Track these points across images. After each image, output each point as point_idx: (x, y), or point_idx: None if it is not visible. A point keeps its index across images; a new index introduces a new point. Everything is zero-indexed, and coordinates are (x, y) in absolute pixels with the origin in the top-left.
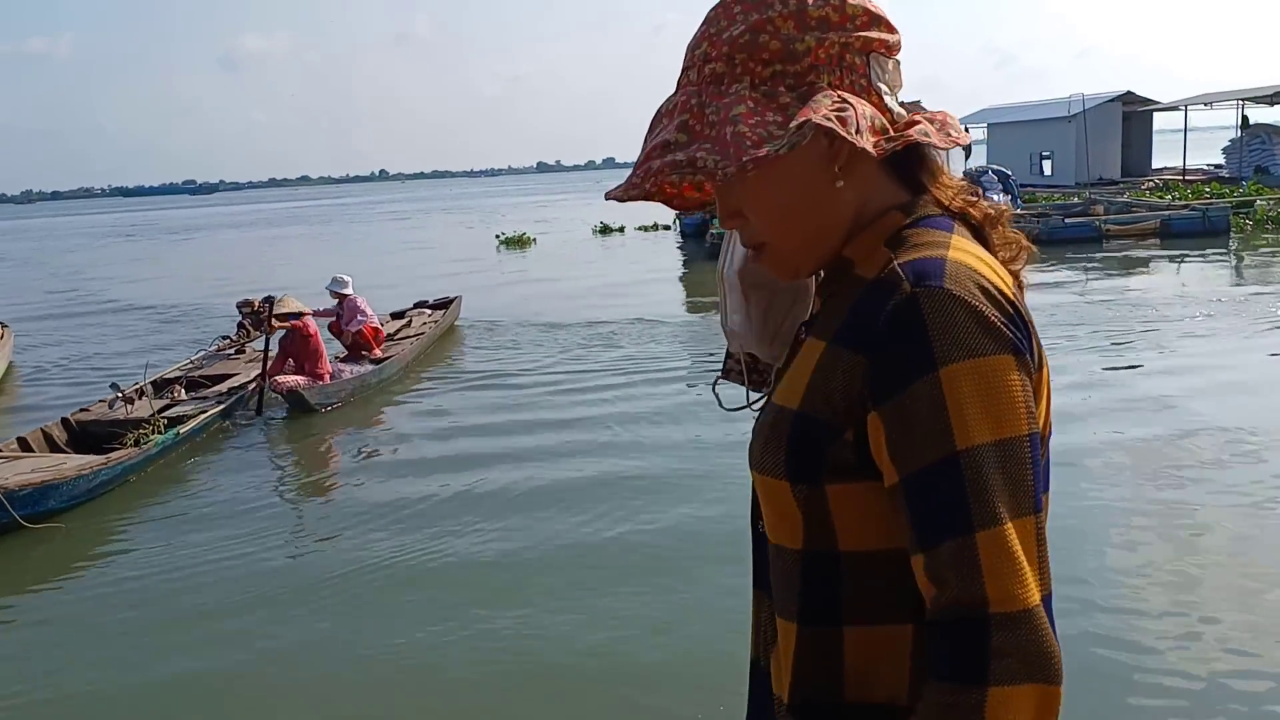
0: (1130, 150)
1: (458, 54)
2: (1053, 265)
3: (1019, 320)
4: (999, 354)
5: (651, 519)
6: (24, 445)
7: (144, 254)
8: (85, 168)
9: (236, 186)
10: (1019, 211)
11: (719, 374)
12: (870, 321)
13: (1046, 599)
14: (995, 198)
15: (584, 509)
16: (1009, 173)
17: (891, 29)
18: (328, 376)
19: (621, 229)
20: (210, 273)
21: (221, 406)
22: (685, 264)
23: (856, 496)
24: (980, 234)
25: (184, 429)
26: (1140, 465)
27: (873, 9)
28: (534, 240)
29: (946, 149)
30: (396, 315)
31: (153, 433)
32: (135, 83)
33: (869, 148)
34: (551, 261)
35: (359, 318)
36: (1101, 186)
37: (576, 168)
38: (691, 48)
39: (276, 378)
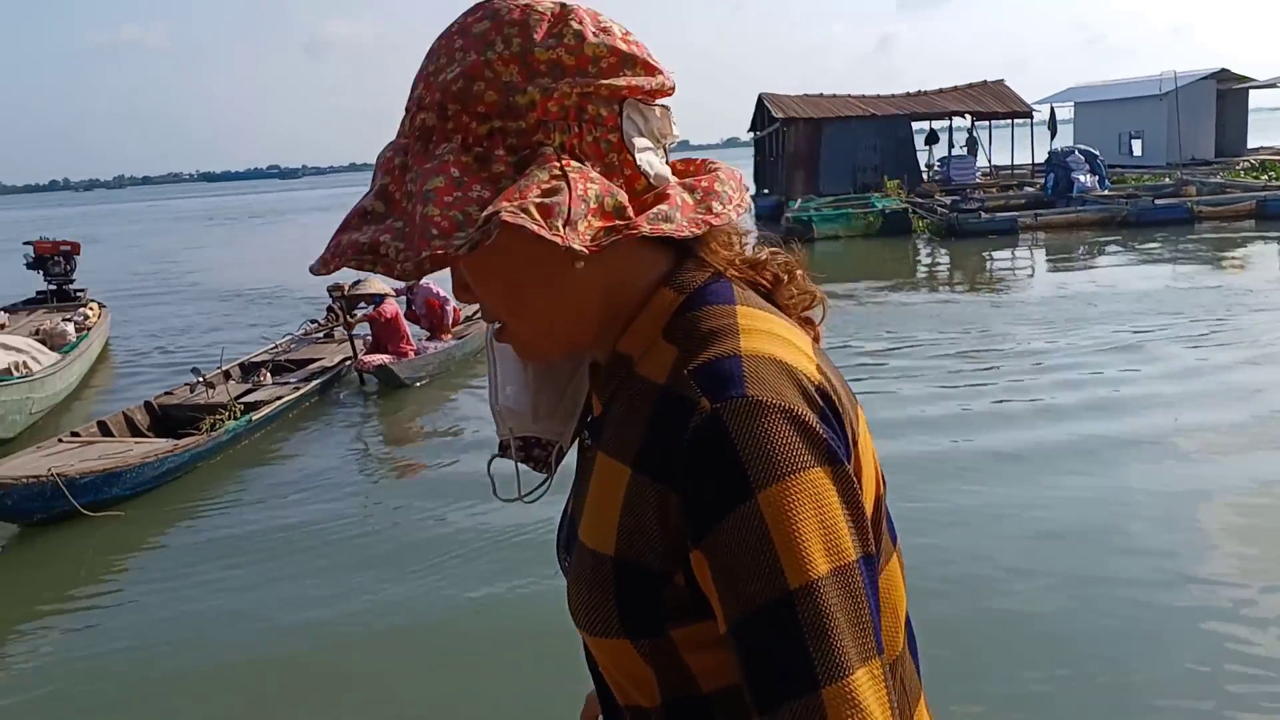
0: (1225, 129)
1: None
2: (1142, 246)
3: (831, 410)
4: (821, 466)
5: None
6: (104, 429)
7: (231, 237)
8: (174, 153)
9: (319, 171)
10: (1106, 193)
11: (495, 453)
12: (672, 447)
13: None
14: (1082, 179)
15: None
16: (1096, 153)
17: (652, 69)
18: (412, 353)
19: None
20: (295, 255)
21: (298, 392)
22: (761, 244)
23: (709, 632)
24: (769, 291)
25: (257, 415)
26: (1230, 449)
27: (624, 48)
28: None
29: (691, 235)
30: None
31: (229, 418)
32: (223, 70)
33: (576, 245)
34: None
35: (431, 298)
36: (1194, 167)
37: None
38: (411, 88)
39: (363, 357)
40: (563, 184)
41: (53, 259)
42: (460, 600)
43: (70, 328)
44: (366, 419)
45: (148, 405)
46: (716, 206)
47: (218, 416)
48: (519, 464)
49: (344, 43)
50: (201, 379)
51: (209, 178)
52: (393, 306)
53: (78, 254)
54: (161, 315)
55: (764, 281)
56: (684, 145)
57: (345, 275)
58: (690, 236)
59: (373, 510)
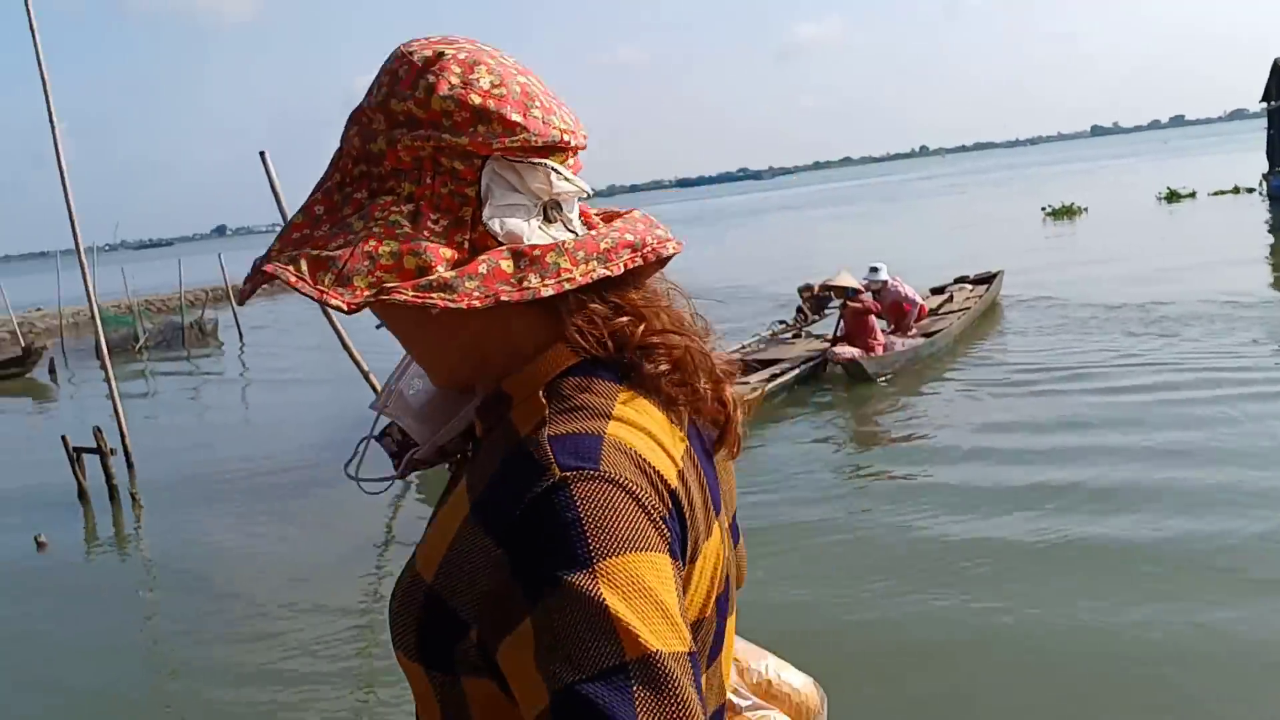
0: None
1: (1007, 20)
2: None
3: (678, 516)
4: (659, 552)
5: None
6: None
7: (708, 239)
8: (656, 162)
9: (784, 171)
10: None
11: (368, 436)
12: (510, 505)
13: None
14: None
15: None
16: None
17: (511, 126)
18: (880, 349)
19: (1193, 194)
20: (766, 255)
21: (756, 393)
22: (1275, 232)
23: (498, 698)
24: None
25: None
26: None
27: (478, 103)
28: (1084, 210)
29: (478, 305)
30: (937, 291)
31: None
32: (700, 82)
33: (334, 302)
34: (1104, 234)
35: (899, 298)
36: None
37: (1138, 129)
38: None
39: (834, 349)
40: (350, 241)
41: None
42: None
43: None
44: (830, 418)
45: None
46: (532, 279)
47: None
48: (390, 453)
49: (811, 45)
50: None
51: (685, 183)
52: (870, 301)
53: None
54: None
55: (640, 371)
56: (1178, 120)
57: (814, 275)
58: (478, 307)
59: (842, 513)
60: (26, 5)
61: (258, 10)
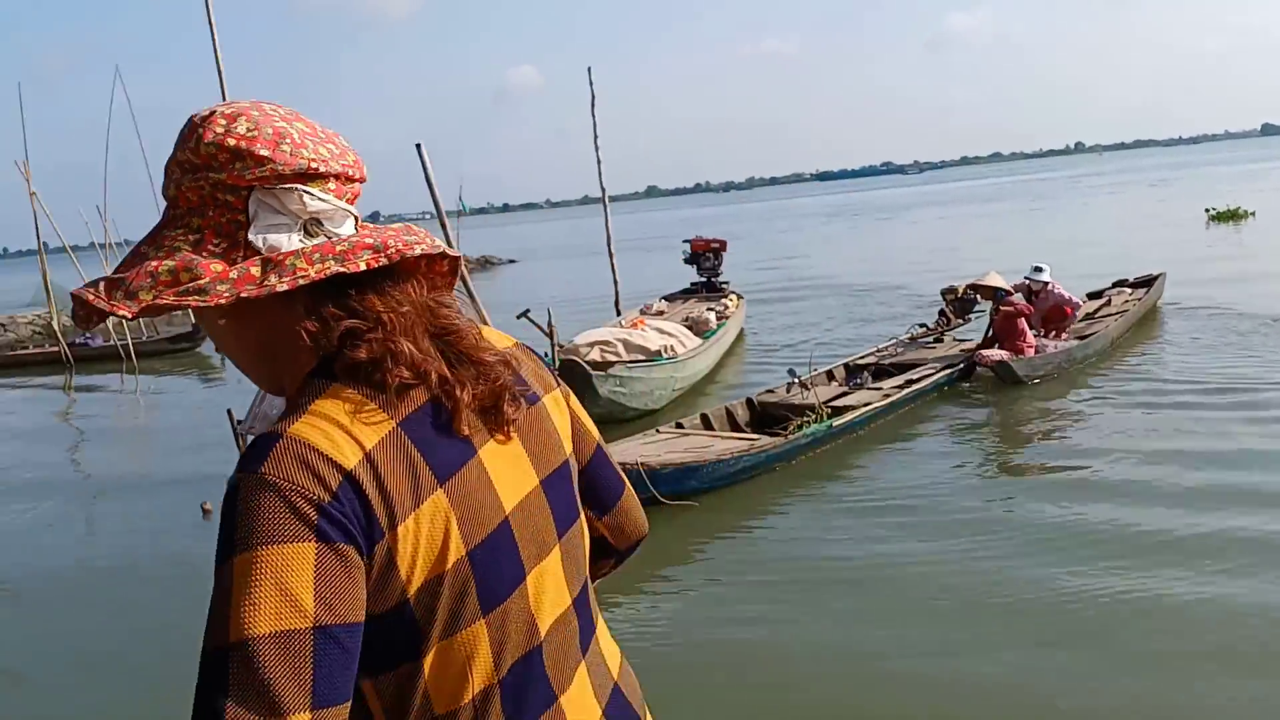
0: None
1: (1176, 9)
2: None
3: (356, 495)
4: (301, 543)
5: None
6: (705, 421)
7: (848, 234)
8: (796, 155)
9: (931, 166)
10: None
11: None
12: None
13: None
14: None
15: None
16: None
17: (262, 159)
18: (1030, 351)
19: None
20: (909, 253)
21: (888, 400)
22: None
23: None
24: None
25: (839, 421)
26: None
27: (234, 144)
28: (1251, 214)
29: (224, 302)
30: (1094, 295)
31: (816, 421)
32: (845, 74)
33: (120, 311)
34: (1273, 239)
35: (1062, 300)
36: None
37: None
38: None
39: (983, 351)
40: (142, 263)
41: (704, 255)
42: None
43: (712, 316)
44: (973, 426)
45: (749, 402)
46: (271, 279)
47: (805, 419)
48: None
49: (962, 35)
50: (796, 380)
51: (825, 176)
52: (1022, 303)
53: (725, 250)
54: (786, 310)
55: (356, 359)
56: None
57: (958, 275)
58: (225, 303)
59: (979, 546)
60: (208, 6)
61: (416, 7)
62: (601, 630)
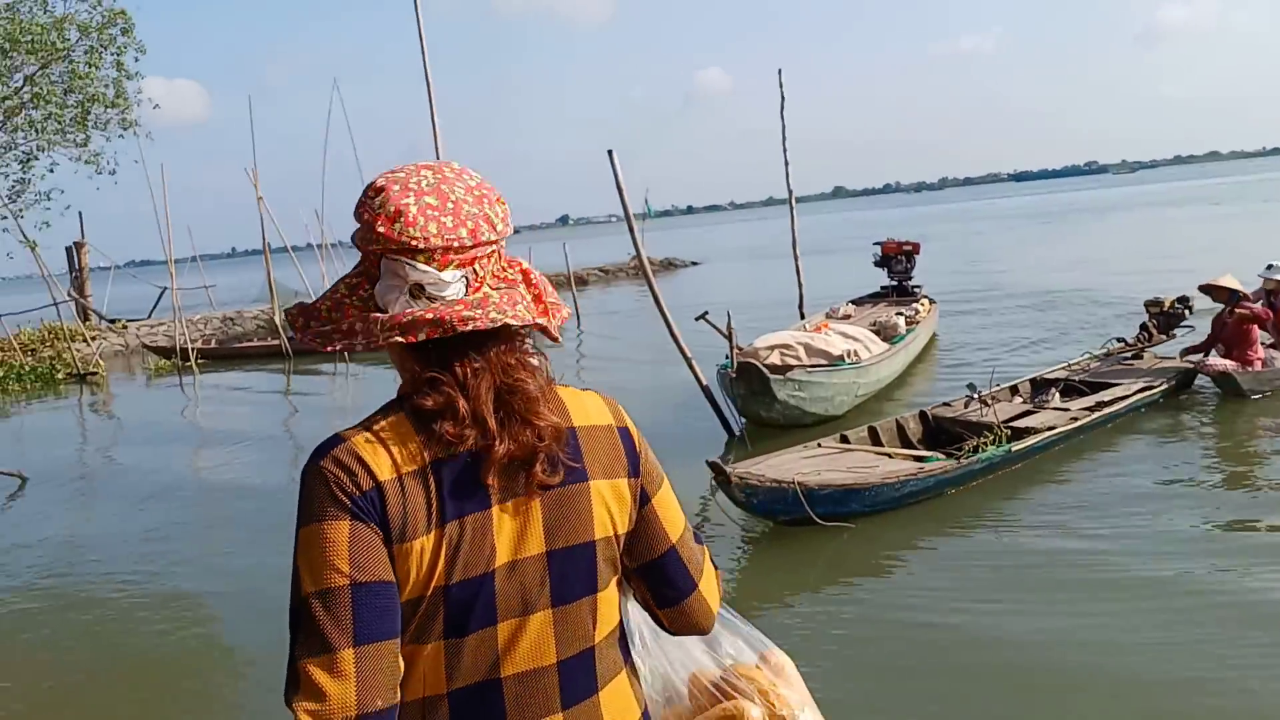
0: None
1: None
2: None
3: (378, 494)
4: (337, 520)
5: None
6: (873, 435)
7: (1049, 237)
8: (992, 154)
9: (1141, 165)
10: None
11: None
12: None
13: (368, 714)
14: None
15: None
16: None
17: (378, 235)
18: (1259, 364)
19: None
20: (1108, 257)
21: (1074, 424)
22: None
23: None
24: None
25: (1019, 445)
26: None
27: (368, 218)
28: None
29: (333, 350)
30: None
31: (993, 442)
32: (1046, 70)
33: (299, 337)
34: None
35: None
36: None
37: None
38: None
39: (1207, 360)
40: (327, 294)
41: (896, 258)
42: None
43: (901, 321)
44: (1180, 451)
45: (922, 415)
46: (358, 339)
47: (982, 439)
48: None
49: (1178, 28)
50: (975, 395)
51: (1023, 177)
52: (1258, 308)
53: (917, 253)
54: (980, 315)
55: (425, 406)
56: None
57: (1167, 287)
58: (340, 350)
59: (1203, 567)
60: (416, 13)
61: (612, 12)
62: (613, 700)
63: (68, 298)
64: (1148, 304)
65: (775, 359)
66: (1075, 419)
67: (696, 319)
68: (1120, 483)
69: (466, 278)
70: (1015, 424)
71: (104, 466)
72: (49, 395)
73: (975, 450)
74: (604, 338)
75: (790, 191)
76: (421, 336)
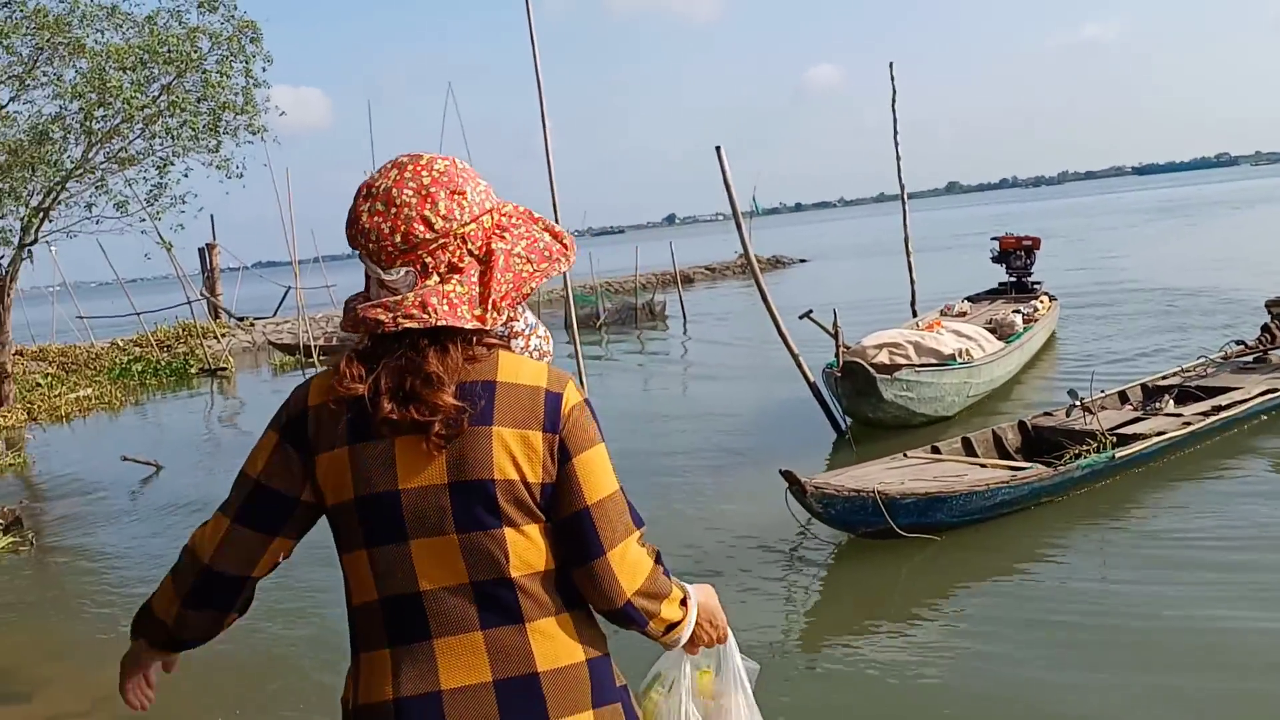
0: None
1: None
2: None
3: (301, 417)
4: (271, 432)
5: None
6: (967, 446)
7: (1171, 232)
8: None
9: (1277, 158)
10: None
11: None
12: None
13: (203, 565)
14: None
15: None
16: None
17: (350, 240)
18: None
19: None
20: (1236, 254)
21: (1186, 429)
22: None
23: None
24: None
25: (1123, 452)
26: None
27: (347, 227)
28: None
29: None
30: None
31: (1097, 450)
32: (1175, 59)
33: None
34: None
35: None
36: None
37: None
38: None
39: None
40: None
41: (1014, 253)
42: None
43: (1018, 319)
44: None
45: (1021, 425)
46: (345, 324)
47: (1085, 447)
48: None
49: None
50: (1077, 402)
51: (1149, 170)
52: None
53: (1037, 249)
54: (1102, 314)
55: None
56: None
57: (1228, 299)
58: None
59: None
60: (528, 14)
61: (722, 10)
62: (543, 635)
63: (200, 297)
64: (1269, 304)
65: (883, 358)
66: (1188, 424)
67: (800, 317)
68: (1244, 498)
69: (414, 272)
70: (1122, 431)
71: (230, 457)
72: (183, 389)
73: (1076, 458)
74: (710, 337)
75: (902, 186)
76: (355, 329)
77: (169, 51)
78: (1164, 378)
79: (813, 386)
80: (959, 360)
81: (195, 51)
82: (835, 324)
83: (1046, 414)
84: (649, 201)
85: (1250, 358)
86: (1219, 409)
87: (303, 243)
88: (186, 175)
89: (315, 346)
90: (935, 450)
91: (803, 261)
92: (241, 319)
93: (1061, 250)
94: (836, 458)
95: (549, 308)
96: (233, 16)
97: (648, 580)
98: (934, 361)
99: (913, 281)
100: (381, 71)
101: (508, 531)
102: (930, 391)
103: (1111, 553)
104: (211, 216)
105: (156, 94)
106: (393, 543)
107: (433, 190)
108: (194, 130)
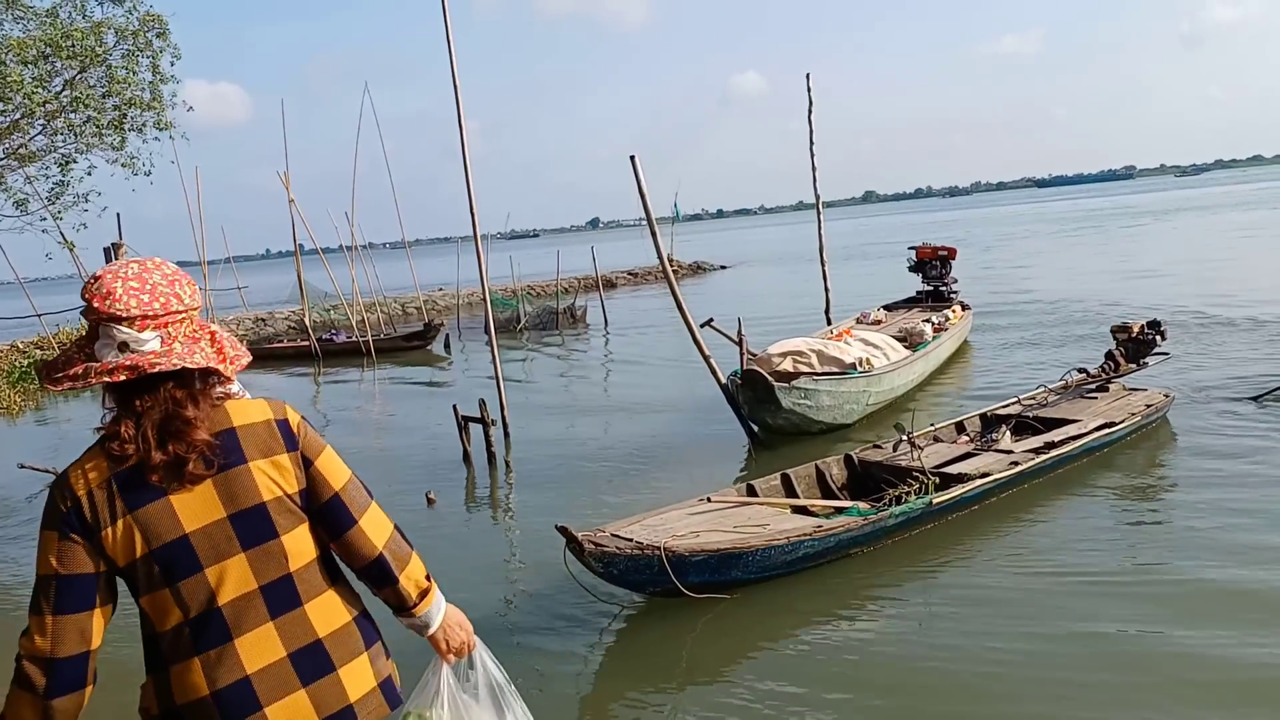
0: None
1: None
2: None
3: (76, 506)
4: (50, 529)
5: None
6: (786, 484)
7: (1077, 244)
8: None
9: (1180, 170)
10: None
11: None
12: None
13: (48, 659)
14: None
15: None
16: None
17: (93, 309)
18: None
19: None
20: (1118, 268)
21: (1015, 469)
22: None
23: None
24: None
25: (940, 498)
26: None
27: (86, 297)
28: None
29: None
30: None
31: (918, 491)
32: (1089, 72)
33: (44, 381)
34: None
35: None
36: None
37: None
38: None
39: None
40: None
41: (930, 263)
42: None
43: (928, 328)
44: (1146, 498)
45: (848, 459)
46: (80, 381)
47: (907, 488)
48: None
49: (1229, 28)
50: (904, 437)
51: (1059, 182)
52: None
53: (953, 259)
54: (1008, 324)
55: (105, 433)
56: None
57: (1134, 312)
58: (67, 389)
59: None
60: (445, 19)
61: (652, 14)
62: (318, 609)
63: None
64: (1115, 329)
65: (787, 365)
66: (1016, 463)
67: (702, 326)
68: (1073, 545)
69: (161, 337)
70: (947, 470)
71: None
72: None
73: (897, 500)
74: (632, 341)
75: (817, 196)
76: (121, 377)
77: (73, 45)
78: (1004, 406)
79: (726, 391)
80: (859, 369)
81: (100, 45)
82: (740, 332)
83: (876, 447)
84: (574, 205)
85: (1094, 386)
86: (1051, 445)
87: (214, 242)
88: (90, 173)
89: None
90: (750, 490)
91: (723, 268)
92: None
93: (968, 260)
94: (749, 462)
95: (468, 311)
96: (136, 9)
97: (391, 538)
98: (836, 370)
99: (827, 290)
100: (310, 68)
101: (284, 538)
102: (828, 400)
103: (925, 610)
104: (118, 215)
105: (59, 89)
106: (191, 575)
107: (176, 278)
108: (98, 127)
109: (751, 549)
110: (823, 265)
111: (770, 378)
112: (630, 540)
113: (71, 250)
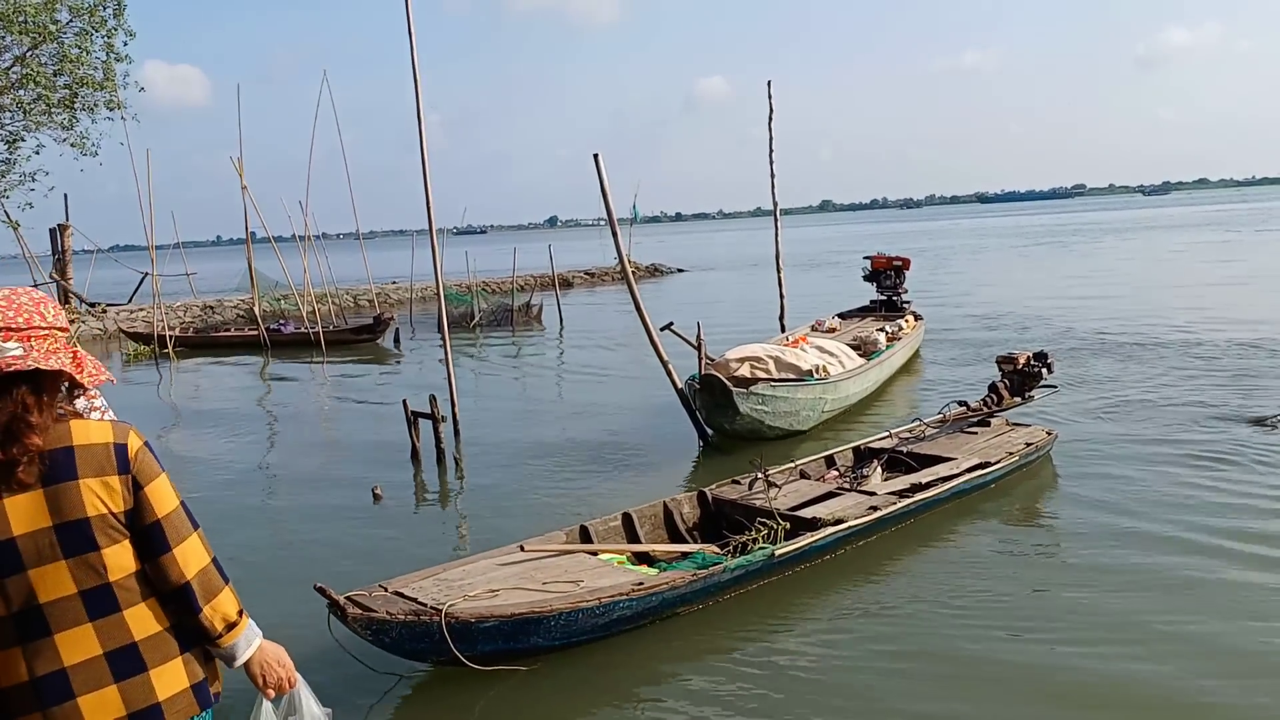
0: None
1: None
2: None
3: None
4: None
5: None
6: (627, 524)
7: (1024, 258)
8: (981, 174)
9: (1124, 189)
10: None
11: None
12: None
13: None
14: None
15: None
16: None
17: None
18: None
19: None
20: (1051, 288)
21: (874, 515)
22: None
23: None
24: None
25: (783, 550)
26: None
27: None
28: None
29: None
30: None
31: (766, 538)
32: (1047, 90)
33: None
34: None
35: None
36: None
37: None
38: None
39: None
40: None
41: (885, 273)
42: None
43: (882, 337)
44: (1012, 561)
45: (701, 497)
46: None
47: (750, 535)
48: None
49: (1180, 52)
50: (760, 474)
51: (1010, 197)
52: None
53: (908, 269)
54: (961, 333)
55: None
56: None
57: (1016, 344)
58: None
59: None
60: (407, 10)
61: (620, 14)
62: (137, 615)
63: (49, 280)
64: (1000, 360)
65: (745, 371)
66: (876, 507)
67: (661, 329)
68: (929, 604)
69: (24, 347)
70: (805, 511)
71: None
72: None
73: (742, 548)
74: (587, 341)
75: (775, 204)
76: None
77: (25, 21)
78: (877, 440)
79: (681, 394)
80: (815, 376)
81: (54, 22)
82: (699, 336)
83: (734, 483)
84: (533, 202)
85: (974, 420)
86: (919, 488)
87: (163, 227)
88: (38, 152)
89: (170, 336)
90: (584, 534)
91: (681, 271)
92: (93, 305)
93: (929, 270)
94: (700, 466)
95: (421, 306)
96: None
97: (204, 570)
98: (793, 377)
99: (782, 297)
100: (269, 54)
101: (104, 551)
102: (785, 406)
103: (749, 690)
104: (65, 196)
105: (9, 65)
106: (15, 574)
107: (42, 300)
108: (48, 105)
109: (553, 613)
110: (779, 272)
111: (728, 383)
112: (413, 601)
113: (16, 230)
